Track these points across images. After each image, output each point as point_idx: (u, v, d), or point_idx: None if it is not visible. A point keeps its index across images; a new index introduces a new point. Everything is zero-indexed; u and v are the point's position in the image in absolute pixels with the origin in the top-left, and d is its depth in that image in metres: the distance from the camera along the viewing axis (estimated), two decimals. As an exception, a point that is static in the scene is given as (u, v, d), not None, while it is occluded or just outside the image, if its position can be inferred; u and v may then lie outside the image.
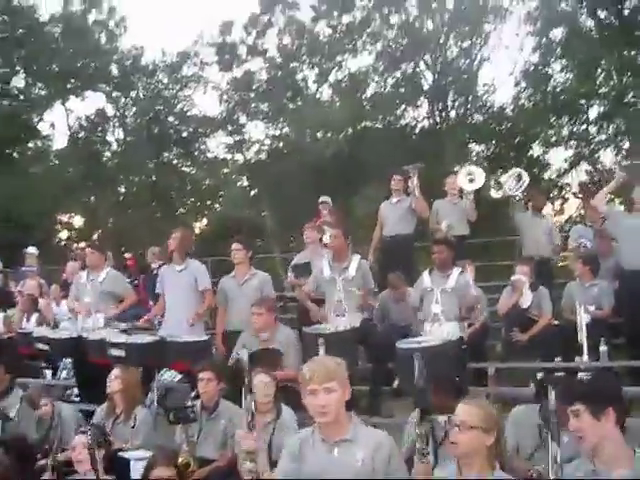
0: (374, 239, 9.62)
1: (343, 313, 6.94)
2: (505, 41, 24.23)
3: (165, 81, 24.75)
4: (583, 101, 23.18)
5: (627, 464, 3.02)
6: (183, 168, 26.43)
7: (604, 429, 3.04)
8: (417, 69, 24.54)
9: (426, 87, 24.53)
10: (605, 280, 7.94)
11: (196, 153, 25.41)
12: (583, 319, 7.35)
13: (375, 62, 24.06)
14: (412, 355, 6.20)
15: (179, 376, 8.08)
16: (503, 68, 31.47)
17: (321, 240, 8.74)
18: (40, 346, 7.61)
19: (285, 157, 24.13)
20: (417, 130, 24.81)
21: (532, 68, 23.84)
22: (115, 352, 6.51)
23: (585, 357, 7.14)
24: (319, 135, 23.53)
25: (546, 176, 24.53)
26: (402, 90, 24.14)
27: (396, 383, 6.60)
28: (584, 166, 24.53)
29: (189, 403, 5.47)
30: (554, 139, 23.68)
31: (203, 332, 7.32)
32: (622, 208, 8.20)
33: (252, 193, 26.50)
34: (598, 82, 23.13)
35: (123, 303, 7.99)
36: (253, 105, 23.60)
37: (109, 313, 7.82)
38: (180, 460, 4.81)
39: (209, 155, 25.83)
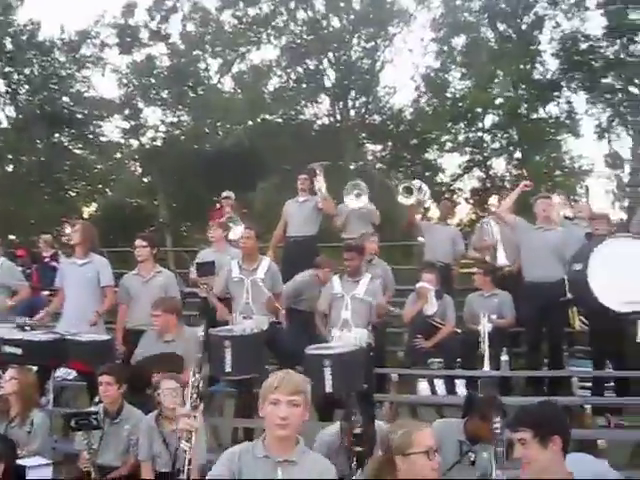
0: (275, 237, 9.52)
1: (250, 315, 6.82)
2: (409, 45, 24.66)
3: (62, 60, 23.66)
4: (479, 109, 23.85)
5: None
6: (75, 150, 25.44)
7: (550, 457, 3.07)
8: (320, 66, 24.56)
9: (328, 84, 24.59)
10: (504, 291, 8.14)
11: (90, 136, 24.49)
12: (486, 329, 7.54)
13: (279, 56, 23.93)
14: (322, 361, 6.24)
15: (73, 373, 7.81)
16: (405, 71, 31.90)
17: (226, 237, 8.61)
18: None
19: (181, 145, 23.72)
20: (316, 127, 24.83)
21: (432, 74, 24.35)
22: (10, 350, 6.15)
23: (486, 366, 7.33)
24: (218, 125, 23.19)
25: (439, 179, 25.13)
26: (304, 86, 24.14)
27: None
28: (476, 172, 25.34)
29: (92, 409, 5.22)
30: (450, 144, 24.29)
31: (104, 331, 7.01)
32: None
33: (145, 180, 25.93)
34: (495, 92, 23.88)
35: (17, 296, 7.59)
36: (153, 91, 22.93)
37: (2, 307, 7.42)
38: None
39: (103, 139, 24.97)
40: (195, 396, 3.19)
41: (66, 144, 24.96)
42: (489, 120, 24.33)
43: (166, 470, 5.32)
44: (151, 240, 7.25)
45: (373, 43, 24.04)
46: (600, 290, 6.28)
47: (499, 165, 25.02)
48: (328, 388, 5.85)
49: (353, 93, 24.33)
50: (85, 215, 26.46)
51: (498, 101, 24.06)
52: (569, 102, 24.14)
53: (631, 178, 22.80)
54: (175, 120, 24.23)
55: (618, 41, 23.41)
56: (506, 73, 23.81)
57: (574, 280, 6.73)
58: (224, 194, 10.78)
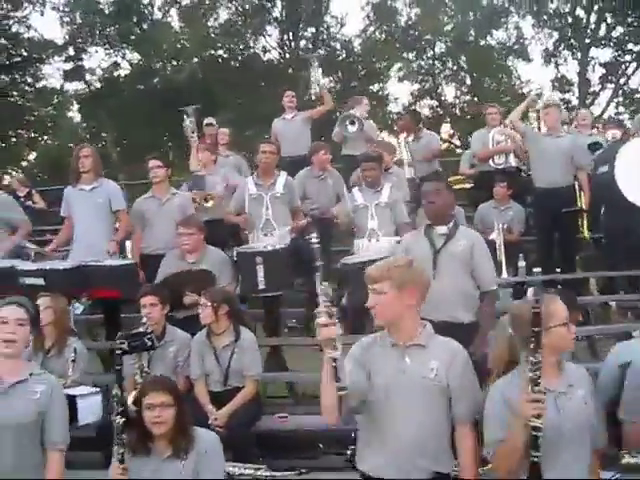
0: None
1: (272, 232, 6.61)
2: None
3: (-5, -1, 22.32)
4: (429, 37, 23.71)
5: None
6: (14, 96, 24.19)
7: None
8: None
9: (276, 16, 23.98)
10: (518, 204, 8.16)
11: (29, 80, 23.34)
12: (502, 238, 7.57)
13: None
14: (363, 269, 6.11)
15: (81, 308, 7.54)
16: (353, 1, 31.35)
17: (215, 161, 8.29)
18: None
19: (127, 85, 22.93)
20: (266, 60, 24.30)
21: (380, 1, 24.01)
22: (31, 281, 5.82)
23: (504, 273, 7.36)
24: (166, 62, 22.45)
25: (389, 109, 25.03)
26: (251, 20, 23.48)
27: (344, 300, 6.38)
28: (427, 100, 25.33)
29: (145, 329, 4.95)
30: (401, 73, 24.15)
31: (119, 258, 6.68)
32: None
33: (90, 124, 25.01)
34: (444, 20, 23.77)
35: (19, 232, 7.16)
36: (97, 30, 21.88)
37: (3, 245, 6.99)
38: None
39: (43, 83, 23.88)
40: (329, 304, 3.00)
41: (3, 89, 23.66)
42: (438, 48, 24.24)
43: (218, 389, 5.19)
44: (164, 161, 6.92)
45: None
46: (628, 188, 6.32)
47: (450, 92, 25.05)
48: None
49: (302, 24, 23.72)
50: (24, 163, 25.58)
51: (446, 28, 24.01)
52: (517, 27, 24.25)
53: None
54: (119, 59, 23.28)
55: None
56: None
57: (600, 182, 6.78)
58: (206, 121, 10.38)
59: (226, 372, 5.18)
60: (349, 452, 5.09)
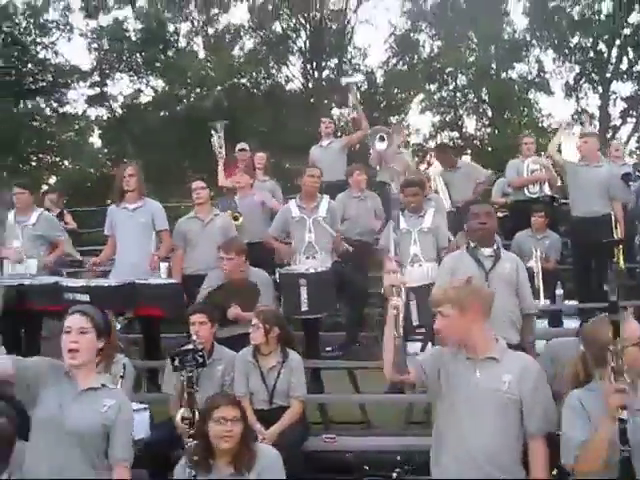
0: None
1: (314, 255, 6.66)
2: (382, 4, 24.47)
3: (24, 25, 22.61)
4: (451, 69, 23.86)
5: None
6: (36, 121, 24.41)
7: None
8: (290, 28, 24.19)
9: (300, 45, 24.26)
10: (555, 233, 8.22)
11: (54, 104, 23.59)
12: (539, 265, 7.59)
13: (249, 19, 23.47)
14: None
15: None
16: (377, 33, 31.60)
17: (252, 185, 8.36)
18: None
19: (151, 112, 23.13)
20: (289, 89, 24.52)
21: (403, 34, 24.24)
22: (76, 297, 5.87)
23: (542, 299, 7.38)
24: (190, 89, 22.68)
25: (412, 140, 25.11)
26: (275, 48, 23.72)
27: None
28: (448, 132, 25.39)
29: (195, 347, 4.95)
30: (424, 104, 24.27)
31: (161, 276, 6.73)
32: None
33: (112, 150, 25.17)
34: (466, 52, 23.94)
35: (56, 251, 7.27)
36: (125, 56, 22.15)
37: (45, 259, 7.08)
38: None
39: (67, 108, 24.11)
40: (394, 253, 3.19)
41: (30, 113, 23.91)
42: (460, 80, 24.37)
43: (263, 408, 5.19)
44: (207, 183, 7.00)
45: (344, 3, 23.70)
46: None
47: (470, 124, 25.12)
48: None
49: (325, 55, 23.96)
50: (45, 187, 25.66)
51: (469, 61, 24.15)
52: (538, 61, 24.36)
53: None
54: (142, 87, 23.54)
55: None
56: (476, 33, 23.96)
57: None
58: (239, 146, 10.47)
59: (272, 392, 5.20)
60: (394, 475, 5.09)
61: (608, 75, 23.48)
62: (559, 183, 8.73)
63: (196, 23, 23.34)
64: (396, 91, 24.40)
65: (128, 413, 3.59)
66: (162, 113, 22.88)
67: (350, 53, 24.08)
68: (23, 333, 6.71)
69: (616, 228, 7.58)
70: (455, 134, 25.03)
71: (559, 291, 7.48)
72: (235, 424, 3.48)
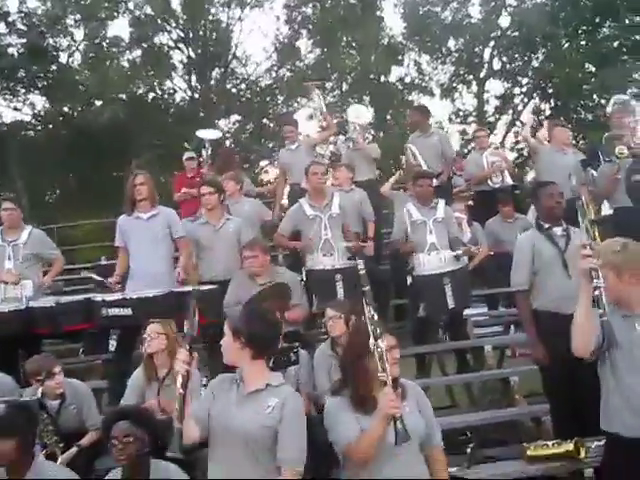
0: (279, 192, 9.38)
1: (330, 252, 6.68)
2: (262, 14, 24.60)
3: None
4: (335, 75, 24.37)
5: None
6: None
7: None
8: (171, 39, 23.90)
9: (181, 58, 24.04)
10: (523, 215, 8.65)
11: None
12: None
13: (131, 31, 22.89)
14: (441, 279, 6.34)
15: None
16: (259, 41, 31.67)
17: (240, 189, 8.21)
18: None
19: (35, 130, 22.16)
20: (177, 99, 24.28)
21: (286, 41, 24.48)
22: (116, 312, 5.62)
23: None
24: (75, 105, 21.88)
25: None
26: (157, 60, 23.28)
27: (421, 311, 6.51)
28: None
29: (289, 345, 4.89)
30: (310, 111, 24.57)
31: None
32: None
33: None
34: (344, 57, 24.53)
35: (54, 267, 6.88)
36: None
37: (42, 280, 6.69)
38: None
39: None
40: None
41: None
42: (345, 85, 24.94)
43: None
44: (218, 186, 6.82)
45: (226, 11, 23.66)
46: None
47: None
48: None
49: (210, 64, 23.77)
50: None
51: (349, 66, 24.74)
52: (417, 64, 25.32)
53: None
54: (23, 105, 22.42)
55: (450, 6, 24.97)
56: (354, 39, 24.60)
57: (635, 189, 7.28)
58: (187, 155, 10.26)
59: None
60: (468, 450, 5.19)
61: (482, 75, 24.80)
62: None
63: (77, 37, 22.44)
64: (282, 99, 24.56)
65: (295, 410, 3.34)
66: (50, 130, 21.92)
67: (233, 62, 24.06)
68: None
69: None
70: (341, 137, 25.42)
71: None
72: None
